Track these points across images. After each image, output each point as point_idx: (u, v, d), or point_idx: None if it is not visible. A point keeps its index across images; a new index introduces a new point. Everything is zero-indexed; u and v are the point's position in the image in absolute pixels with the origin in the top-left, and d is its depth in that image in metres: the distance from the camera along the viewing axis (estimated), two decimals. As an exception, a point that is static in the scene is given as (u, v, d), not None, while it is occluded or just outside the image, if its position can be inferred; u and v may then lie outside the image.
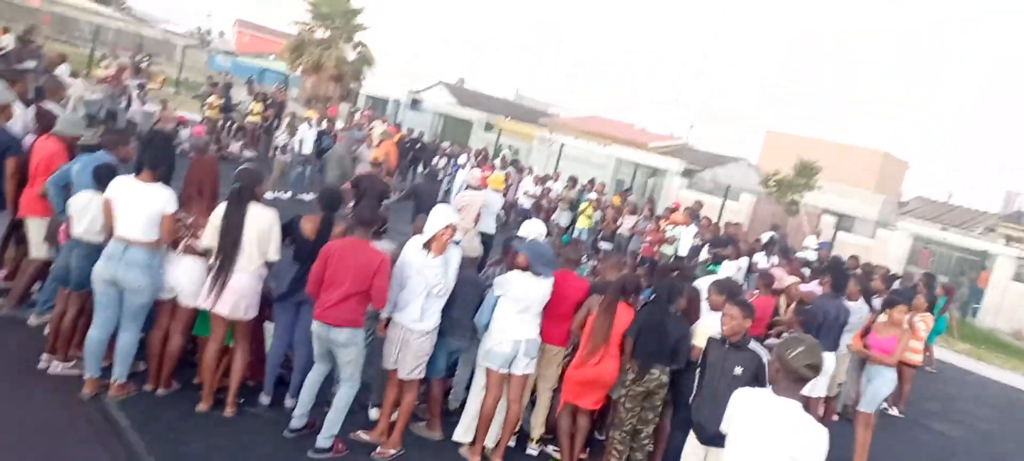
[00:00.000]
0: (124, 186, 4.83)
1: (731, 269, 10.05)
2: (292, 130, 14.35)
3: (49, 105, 6.63)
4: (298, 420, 5.09)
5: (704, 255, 11.68)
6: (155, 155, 4.93)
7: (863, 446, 7.00)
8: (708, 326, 5.60)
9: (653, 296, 5.60)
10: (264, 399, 5.46)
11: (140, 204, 4.78)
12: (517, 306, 5.29)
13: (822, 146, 30.79)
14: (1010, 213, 25.31)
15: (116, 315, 4.87)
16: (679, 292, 5.62)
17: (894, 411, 9.42)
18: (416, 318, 5.06)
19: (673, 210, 14.27)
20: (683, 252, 12.65)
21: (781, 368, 3.21)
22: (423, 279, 5.02)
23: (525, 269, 5.34)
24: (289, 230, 5.32)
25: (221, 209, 4.99)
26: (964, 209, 30.06)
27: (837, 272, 7.01)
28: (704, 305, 5.94)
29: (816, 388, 6.86)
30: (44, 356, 5.20)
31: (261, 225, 5.00)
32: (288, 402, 5.45)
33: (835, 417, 8.02)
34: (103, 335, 4.88)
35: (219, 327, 5.09)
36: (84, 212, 5.05)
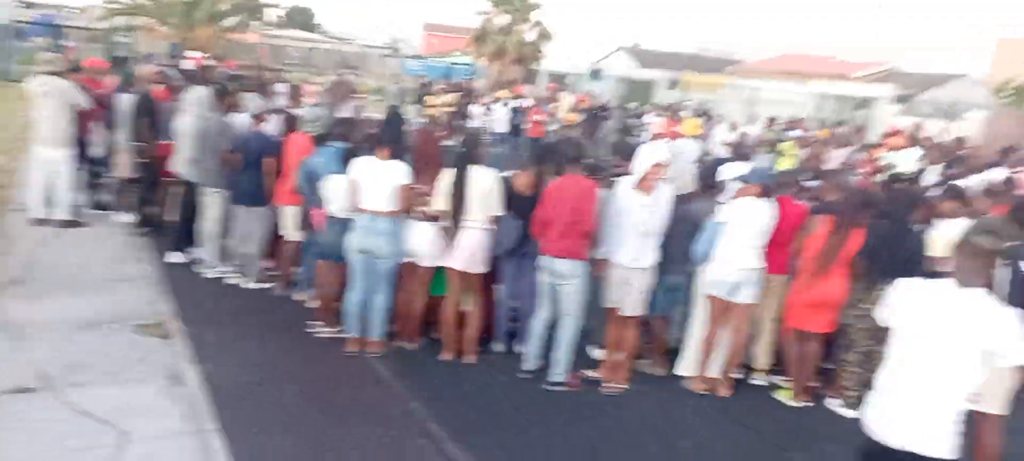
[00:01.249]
0: (366, 165, 5.46)
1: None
2: (487, 110, 15.07)
3: (291, 110, 7.57)
4: (532, 361, 5.49)
5: (932, 177, 10.70)
6: (390, 134, 5.55)
7: None
8: (944, 234, 5.24)
9: (885, 210, 5.32)
10: (498, 347, 5.92)
11: (381, 179, 5.39)
12: (744, 234, 5.28)
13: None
14: None
15: (369, 280, 5.54)
16: (913, 202, 5.30)
17: None
18: (634, 257, 5.23)
19: (889, 135, 13.19)
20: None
21: (962, 251, 2.88)
22: (636, 219, 5.18)
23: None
24: (507, 193, 5.70)
25: (447, 174, 5.48)
26: None
27: None
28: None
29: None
30: (312, 323, 6.02)
31: (484, 185, 5.44)
32: (518, 349, 5.87)
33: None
34: (360, 297, 5.57)
35: (455, 283, 5.60)
36: (336, 194, 5.74)
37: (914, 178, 9.67)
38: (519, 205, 5.63)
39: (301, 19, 63.41)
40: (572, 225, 5.12)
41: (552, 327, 5.46)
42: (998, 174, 9.80)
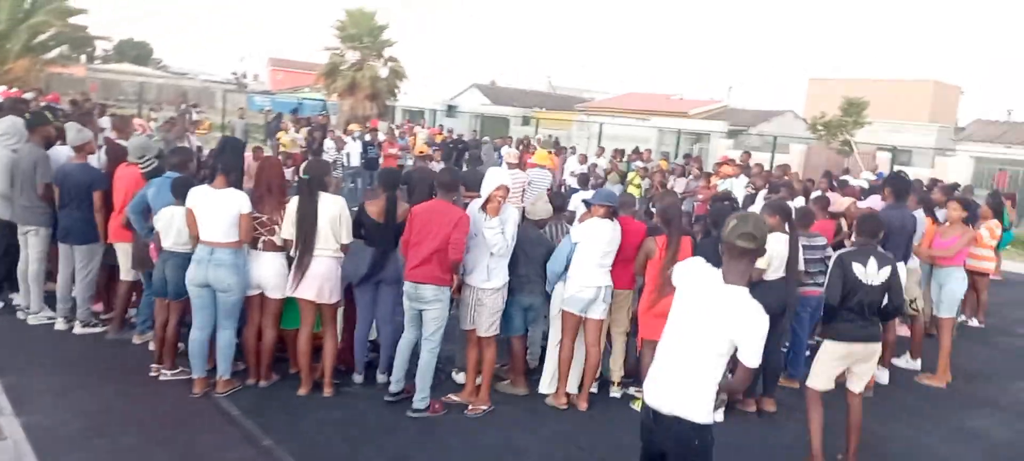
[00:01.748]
0: (201, 195, 5.18)
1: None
2: (339, 145, 14.80)
3: (118, 141, 7.06)
4: (396, 385, 5.42)
5: (759, 202, 11.65)
6: (226, 161, 5.29)
7: (945, 352, 6.97)
8: (769, 248, 5.70)
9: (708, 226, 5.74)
10: (357, 378, 5.77)
11: (218, 209, 5.12)
12: (597, 252, 5.48)
13: (869, 85, 29.96)
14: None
15: (213, 315, 5.23)
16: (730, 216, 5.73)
17: (974, 322, 9.29)
18: (484, 278, 5.31)
19: (722, 164, 14.22)
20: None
21: (723, 247, 3.13)
22: (487, 241, 5.26)
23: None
24: (357, 218, 5.61)
25: (294, 202, 5.31)
26: (1025, 124, 28.94)
27: (897, 181, 6.91)
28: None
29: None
30: (153, 366, 5.59)
31: (332, 212, 5.31)
32: (380, 378, 5.76)
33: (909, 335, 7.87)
34: (203, 335, 5.24)
35: (307, 314, 5.41)
36: (169, 226, 5.40)
37: (734, 200, 10.43)
38: (371, 232, 5.57)
39: (135, 53, 59.69)
40: (437, 252, 5.11)
41: (416, 350, 5.40)
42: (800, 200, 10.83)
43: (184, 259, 5.31)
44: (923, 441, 5.74)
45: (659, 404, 3.20)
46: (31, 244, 6.33)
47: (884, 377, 6.86)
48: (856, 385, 5.04)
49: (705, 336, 3.11)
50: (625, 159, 16.48)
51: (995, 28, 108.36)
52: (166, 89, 39.64)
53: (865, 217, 5.28)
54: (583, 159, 17.59)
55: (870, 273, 4.80)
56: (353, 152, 14.58)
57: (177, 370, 5.53)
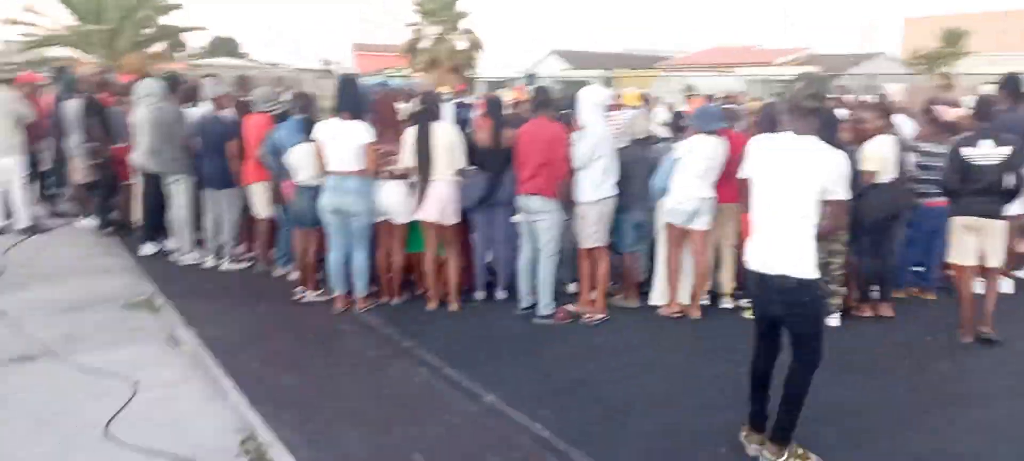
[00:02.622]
0: (329, 128, 5.66)
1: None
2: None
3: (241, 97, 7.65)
4: (525, 299, 5.84)
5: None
6: (348, 97, 5.74)
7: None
8: (874, 150, 5.76)
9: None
10: (479, 295, 6.20)
11: (345, 140, 5.59)
12: (699, 167, 5.67)
13: (968, 19, 28.36)
14: None
15: (346, 239, 5.74)
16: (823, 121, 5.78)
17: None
18: (579, 193, 5.62)
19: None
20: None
21: (789, 106, 3.38)
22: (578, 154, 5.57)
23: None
24: (468, 147, 5.98)
25: (411, 132, 5.74)
26: None
27: (1013, 81, 6.59)
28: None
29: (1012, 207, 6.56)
30: (297, 290, 6.18)
31: (447, 139, 5.72)
32: (499, 295, 6.18)
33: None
34: (340, 256, 5.78)
35: (431, 235, 5.85)
36: (302, 162, 5.92)
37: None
38: (481, 158, 5.94)
39: (226, 48, 62.22)
40: (542, 165, 5.46)
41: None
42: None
43: (317, 191, 5.81)
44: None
45: (762, 266, 3.44)
46: (177, 192, 7.01)
47: (1008, 286, 6.74)
48: (989, 261, 5.35)
49: (793, 189, 3.33)
50: (717, 102, 16.31)
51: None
52: (260, 79, 41.38)
53: (980, 100, 5.33)
54: (671, 108, 17.52)
55: (984, 153, 4.90)
56: (446, 113, 14.99)
57: (319, 292, 6.09)
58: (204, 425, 3.95)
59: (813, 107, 3.34)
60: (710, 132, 5.75)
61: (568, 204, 5.67)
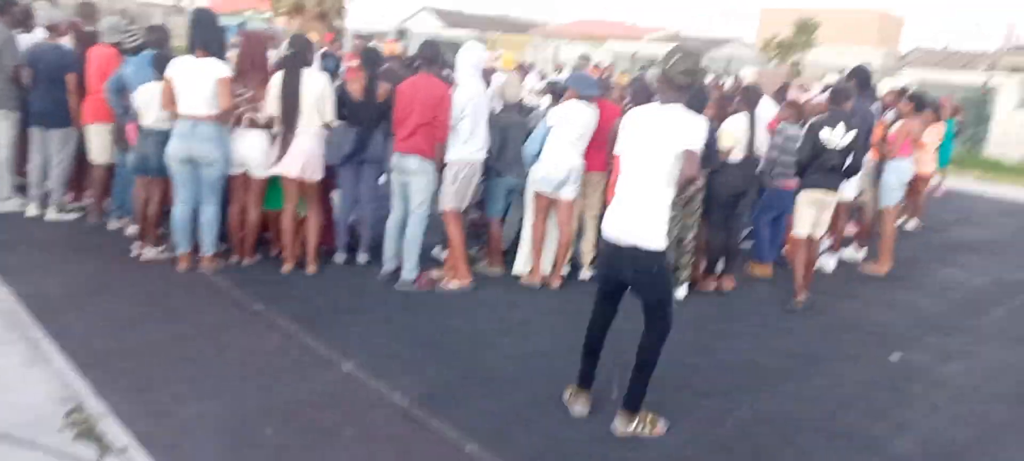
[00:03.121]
0: (182, 65, 5.15)
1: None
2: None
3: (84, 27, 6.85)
4: (389, 263, 5.62)
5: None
6: (204, 32, 5.24)
7: (887, 241, 7.44)
8: (729, 129, 6.02)
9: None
10: (339, 257, 5.93)
11: (199, 78, 5.09)
12: (571, 135, 5.66)
13: (819, 14, 30.43)
14: (1012, 47, 25.24)
15: (195, 191, 5.28)
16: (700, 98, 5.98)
17: (911, 225, 9.84)
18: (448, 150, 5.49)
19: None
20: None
21: (662, 80, 3.45)
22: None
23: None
24: (338, 98, 5.66)
25: (278, 77, 5.35)
26: (964, 53, 30.03)
27: (861, 71, 7.06)
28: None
29: (846, 191, 7.08)
30: (135, 245, 5.65)
31: (316, 89, 5.36)
32: (361, 257, 5.94)
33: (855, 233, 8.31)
34: (187, 209, 5.30)
35: (291, 191, 5.51)
36: (150, 103, 5.39)
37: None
38: (352, 111, 5.65)
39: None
40: (422, 125, 5.26)
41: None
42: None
43: (166, 136, 5.31)
44: (861, 311, 6.20)
45: (618, 235, 3.52)
46: (0, 129, 6.21)
47: (831, 265, 7.32)
48: (818, 231, 5.99)
49: (653, 157, 3.41)
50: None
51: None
52: (101, 9, 37.76)
53: (837, 87, 5.73)
54: (542, 76, 17.66)
55: (836, 137, 5.43)
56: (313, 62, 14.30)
57: (160, 248, 5.60)
58: (21, 394, 3.51)
59: (686, 83, 3.41)
60: (586, 98, 5.76)
61: (442, 166, 5.52)
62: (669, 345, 3.60)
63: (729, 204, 6.15)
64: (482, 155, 5.55)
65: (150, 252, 5.60)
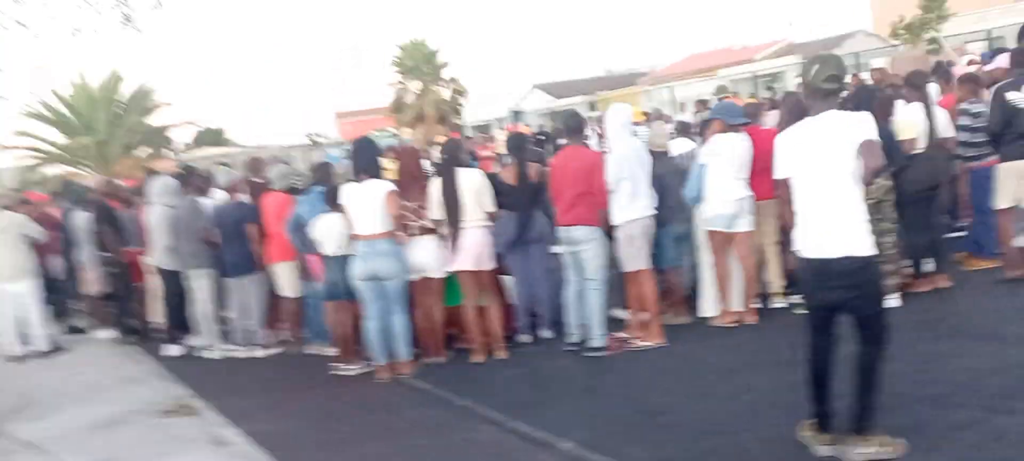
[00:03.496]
0: (351, 192, 5.50)
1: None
2: (427, 155, 15.16)
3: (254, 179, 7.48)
4: (574, 335, 5.56)
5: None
6: (363, 160, 5.58)
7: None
8: (906, 119, 5.60)
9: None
10: (524, 338, 5.95)
11: (367, 200, 5.40)
12: (731, 167, 5.48)
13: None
14: None
15: (383, 304, 5.50)
16: (872, 96, 5.64)
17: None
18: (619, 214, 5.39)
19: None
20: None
21: (808, 91, 3.31)
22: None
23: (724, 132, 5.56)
24: (495, 188, 5.79)
25: (436, 183, 5.56)
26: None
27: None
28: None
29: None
30: (336, 365, 5.93)
31: (473, 184, 5.54)
32: (545, 334, 5.93)
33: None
34: (378, 324, 5.52)
35: (468, 284, 5.62)
36: (329, 233, 5.73)
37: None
38: (509, 197, 5.75)
39: (211, 138, 62.51)
40: (581, 195, 5.28)
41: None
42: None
43: (347, 260, 5.62)
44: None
45: (821, 252, 3.26)
46: (199, 287, 6.80)
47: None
48: None
49: (831, 164, 3.23)
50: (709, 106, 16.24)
51: None
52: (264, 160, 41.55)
53: (1018, 49, 5.18)
54: (668, 119, 17.43)
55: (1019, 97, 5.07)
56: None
57: (359, 364, 5.84)
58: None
59: (832, 89, 3.28)
60: (734, 128, 5.57)
61: (610, 230, 5.46)
62: (894, 356, 3.32)
63: (923, 200, 5.66)
64: (650, 212, 5.44)
65: (351, 369, 5.85)
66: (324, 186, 6.04)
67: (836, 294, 3.30)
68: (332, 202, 5.73)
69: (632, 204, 5.37)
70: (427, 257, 5.63)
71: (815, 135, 3.30)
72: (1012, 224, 5.51)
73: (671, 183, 5.74)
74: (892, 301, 5.51)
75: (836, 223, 3.26)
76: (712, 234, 5.64)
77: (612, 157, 5.41)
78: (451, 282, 5.72)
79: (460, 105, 34.22)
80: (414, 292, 5.72)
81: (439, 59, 33.78)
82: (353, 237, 5.50)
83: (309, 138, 56.03)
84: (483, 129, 35.66)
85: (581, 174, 5.30)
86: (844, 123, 3.25)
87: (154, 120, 30.28)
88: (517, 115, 37.31)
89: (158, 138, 33.35)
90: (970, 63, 9.09)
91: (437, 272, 5.66)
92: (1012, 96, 5.24)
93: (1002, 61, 7.52)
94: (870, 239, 3.26)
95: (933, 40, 19.69)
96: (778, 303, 5.93)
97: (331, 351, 6.15)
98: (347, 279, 5.57)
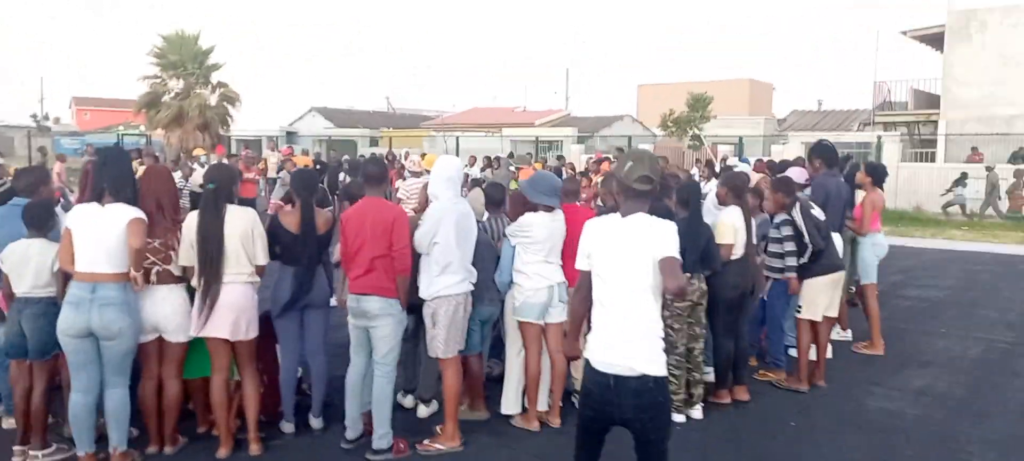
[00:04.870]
0: (85, 214, 4.01)
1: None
2: (186, 172, 13.15)
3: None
4: (352, 427, 4.49)
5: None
6: (113, 175, 4.08)
7: (875, 316, 6.99)
8: (728, 221, 5.40)
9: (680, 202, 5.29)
10: (287, 427, 4.74)
11: (107, 230, 3.95)
12: (542, 249, 4.83)
13: (692, 87, 31.70)
14: (881, 104, 26.88)
15: (98, 372, 4.03)
16: (698, 193, 5.36)
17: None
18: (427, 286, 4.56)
19: (599, 162, 14.18)
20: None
21: (619, 189, 3.12)
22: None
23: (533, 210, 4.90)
24: (270, 234, 4.60)
25: (192, 219, 4.26)
26: (837, 112, 31.92)
27: (824, 149, 6.65)
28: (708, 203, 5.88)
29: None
30: (16, 449, 4.27)
31: (243, 226, 4.30)
32: (314, 424, 4.78)
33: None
34: (88, 399, 4.01)
35: (220, 355, 4.34)
36: (24, 265, 4.17)
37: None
38: (289, 247, 4.60)
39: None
40: (380, 257, 4.29)
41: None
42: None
43: (47, 305, 4.12)
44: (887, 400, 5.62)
45: (622, 367, 2.95)
46: None
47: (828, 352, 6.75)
48: (831, 311, 5.90)
49: (631, 274, 3.00)
50: (496, 164, 16.09)
51: (796, 23, 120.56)
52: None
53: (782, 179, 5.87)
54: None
55: (819, 212, 5.75)
56: (200, 177, 12.99)
57: (51, 449, 4.26)
58: None
59: (644, 191, 3.05)
60: (543, 208, 4.89)
61: (412, 304, 4.52)
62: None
63: (734, 306, 5.46)
64: (465, 288, 4.58)
65: (39, 456, 4.24)
66: (32, 197, 4.45)
67: (619, 412, 2.99)
68: (37, 225, 4.20)
69: (442, 276, 4.50)
70: (168, 313, 4.26)
71: (621, 237, 3.05)
72: (812, 335, 5.85)
73: (485, 257, 4.97)
74: (695, 413, 5.22)
75: (634, 335, 2.99)
76: (524, 325, 4.93)
77: (429, 213, 4.54)
78: (195, 346, 4.41)
79: (229, 115, 31.18)
80: (145, 358, 4.31)
81: (211, 61, 30.56)
82: (65, 274, 4.01)
83: (36, 120, 48.47)
84: (251, 145, 32.91)
85: (382, 231, 4.32)
86: (650, 233, 3.00)
87: None
88: (290, 135, 35.01)
89: None
90: (723, 160, 9.57)
91: (180, 334, 4.32)
92: (816, 212, 5.69)
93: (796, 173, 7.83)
94: (664, 359, 3.03)
95: (695, 137, 21.50)
96: (582, 402, 5.38)
97: (11, 425, 4.49)
98: (43, 332, 4.05)
